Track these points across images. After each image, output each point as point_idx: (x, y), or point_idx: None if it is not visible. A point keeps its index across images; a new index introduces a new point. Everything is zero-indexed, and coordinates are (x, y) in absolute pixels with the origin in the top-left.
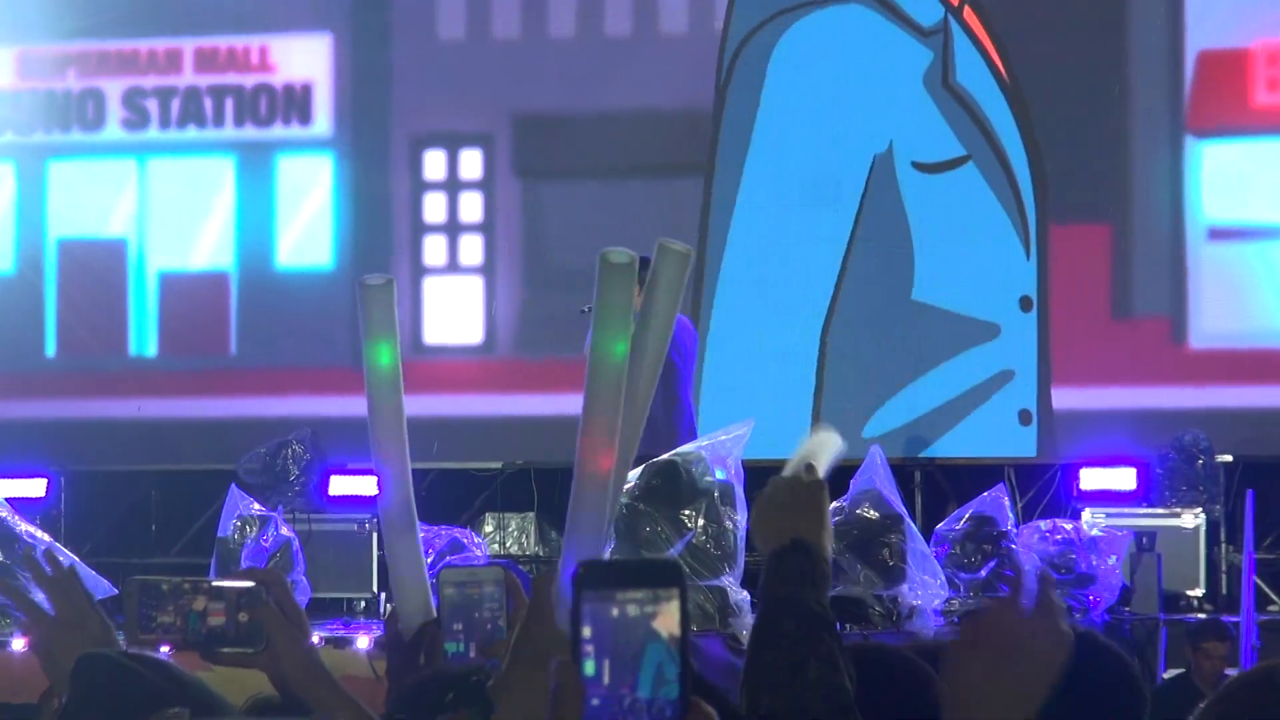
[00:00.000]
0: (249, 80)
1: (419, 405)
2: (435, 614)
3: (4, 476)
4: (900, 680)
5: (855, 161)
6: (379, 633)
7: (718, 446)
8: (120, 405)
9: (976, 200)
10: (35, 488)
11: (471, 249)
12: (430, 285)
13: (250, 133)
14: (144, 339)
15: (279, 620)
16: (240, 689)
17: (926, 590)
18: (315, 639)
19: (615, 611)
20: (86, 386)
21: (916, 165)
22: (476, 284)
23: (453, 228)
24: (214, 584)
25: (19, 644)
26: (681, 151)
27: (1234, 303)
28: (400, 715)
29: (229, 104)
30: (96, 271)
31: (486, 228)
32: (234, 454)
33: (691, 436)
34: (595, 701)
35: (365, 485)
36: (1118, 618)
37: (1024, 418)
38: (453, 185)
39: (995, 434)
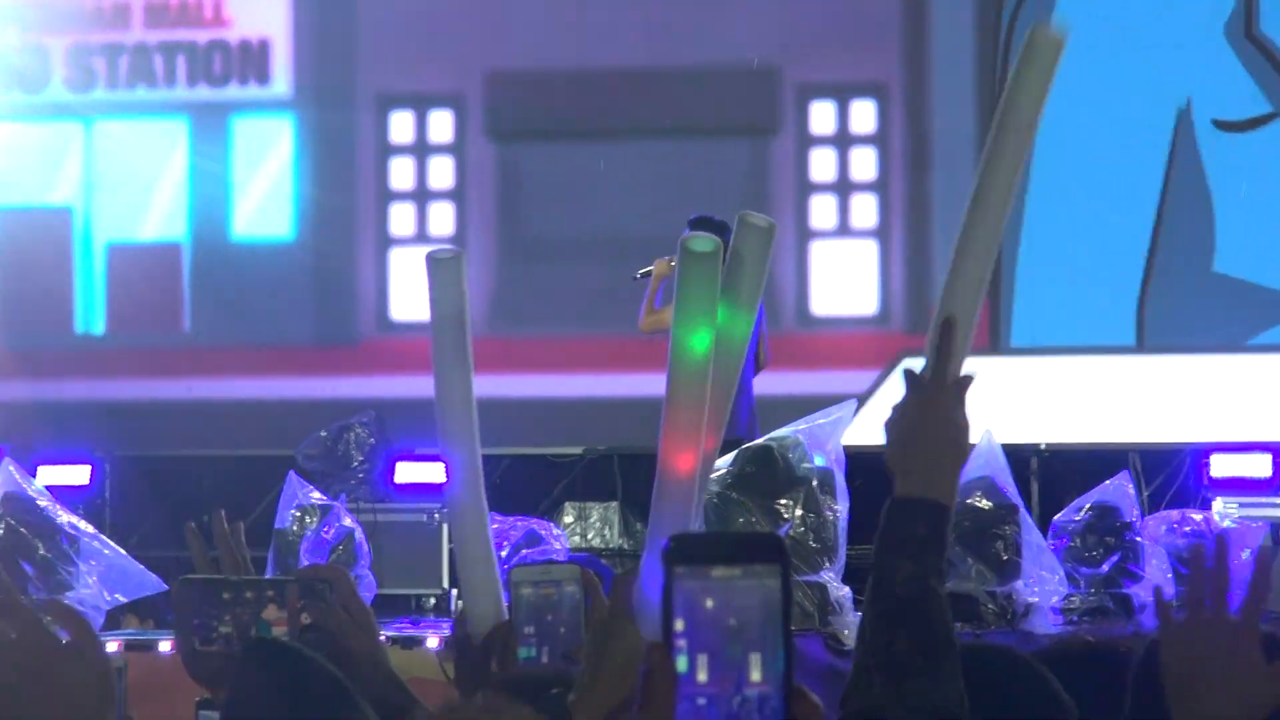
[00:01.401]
0: (202, 36)
1: (385, 387)
2: (507, 615)
3: (44, 463)
4: (1015, 686)
5: (1156, 119)
6: (449, 632)
7: (816, 431)
8: (68, 387)
9: None
10: (78, 475)
11: (442, 218)
12: (397, 256)
13: (204, 93)
14: (91, 315)
15: (345, 622)
16: None
17: (1043, 586)
18: (382, 637)
19: (710, 592)
20: (27, 367)
21: (1217, 123)
22: None
23: (421, 195)
24: (276, 587)
25: (165, 645)
26: (667, 111)
27: None
28: None
29: (181, 62)
30: (39, 243)
31: (457, 195)
32: (176, 441)
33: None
34: (701, 701)
35: (434, 472)
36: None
37: None
38: (421, 149)
39: None
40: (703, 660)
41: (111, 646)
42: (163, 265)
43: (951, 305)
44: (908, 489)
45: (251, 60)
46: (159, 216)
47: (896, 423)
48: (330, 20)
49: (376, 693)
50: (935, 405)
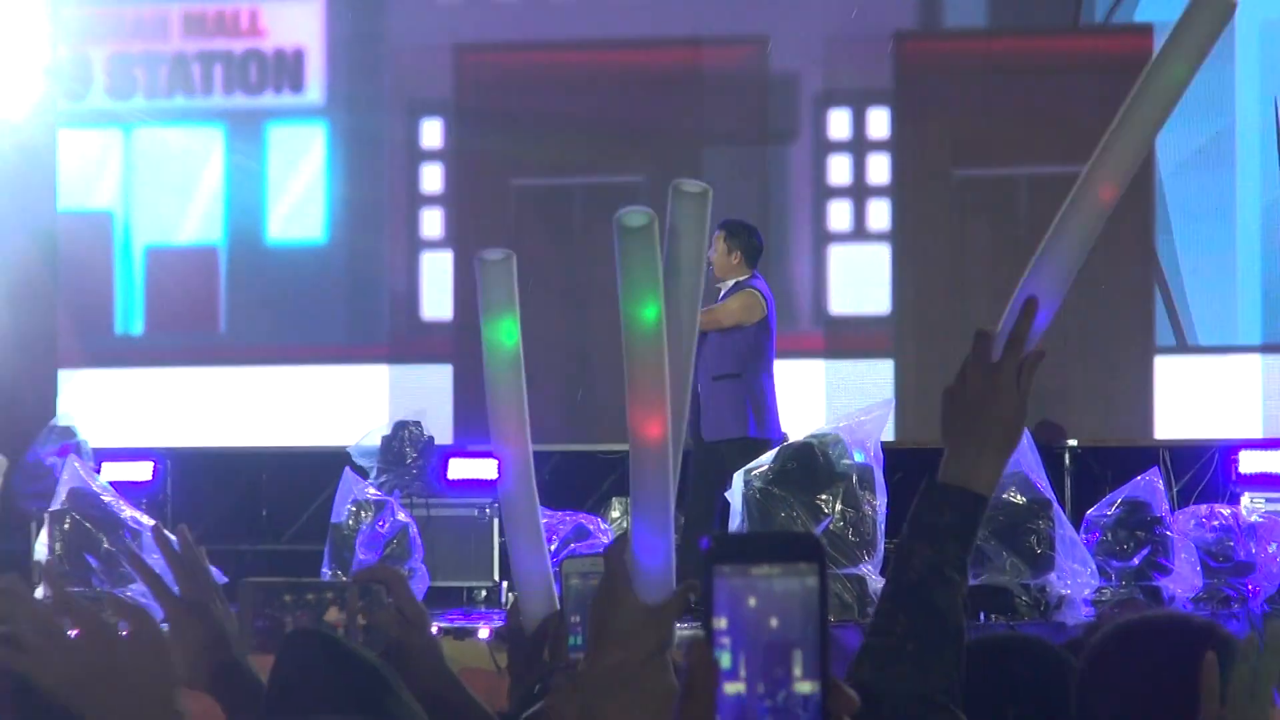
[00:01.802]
0: (238, 46)
1: (415, 383)
2: (558, 606)
3: (109, 459)
4: (1040, 673)
5: None
6: (500, 623)
7: (856, 428)
8: (111, 384)
9: None
10: (141, 471)
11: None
12: (428, 260)
13: (240, 100)
14: (130, 316)
15: (401, 623)
16: None
17: (1076, 579)
18: (434, 629)
19: (751, 590)
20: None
21: None
22: None
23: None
24: (336, 590)
25: None
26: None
27: None
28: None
29: (218, 71)
30: (81, 246)
31: None
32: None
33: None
34: (743, 696)
35: (486, 469)
36: (1278, 608)
37: None
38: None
39: None
40: (744, 657)
41: None
42: (200, 268)
43: (1038, 284)
44: (948, 474)
45: (286, 69)
46: (196, 220)
47: (957, 390)
48: (362, 30)
49: (430, 688)
50: (999, 376)
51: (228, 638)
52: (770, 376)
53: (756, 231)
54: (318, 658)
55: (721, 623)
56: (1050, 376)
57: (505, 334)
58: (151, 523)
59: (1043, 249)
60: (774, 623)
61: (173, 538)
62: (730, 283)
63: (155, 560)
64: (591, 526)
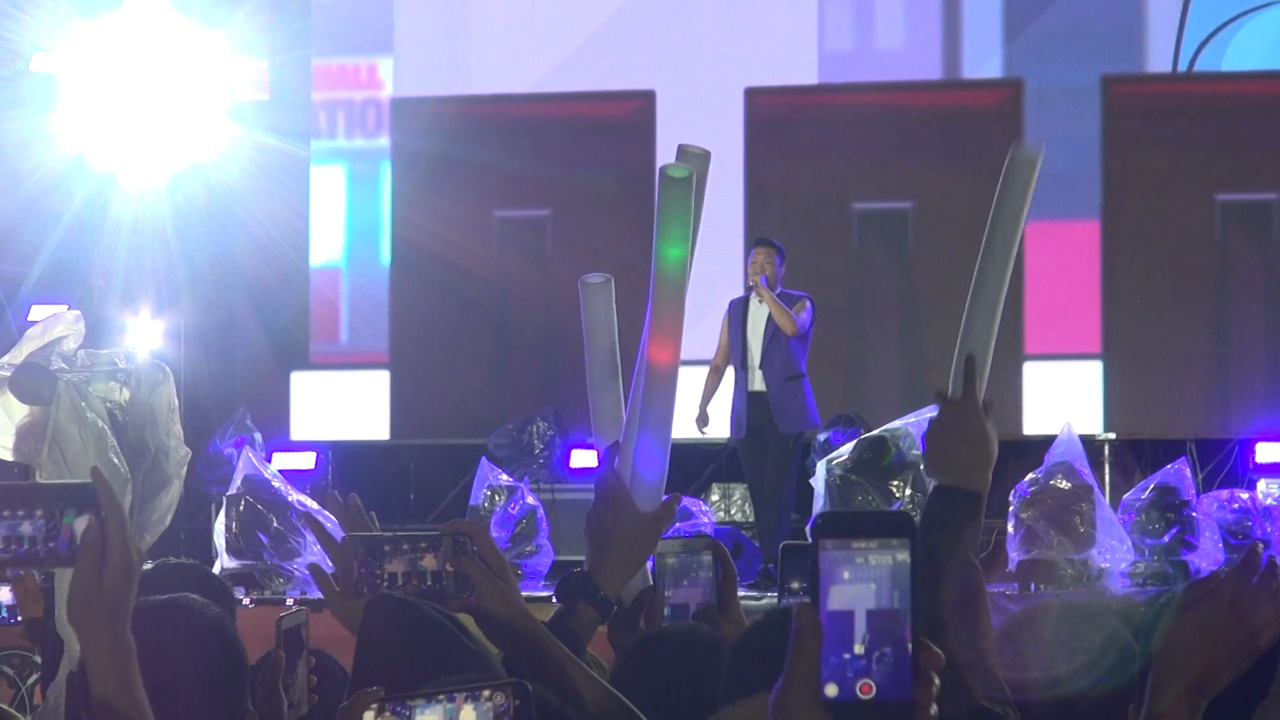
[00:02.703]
0: (359, 95)
1: None
2: (650, 581)
3: (279, 450)
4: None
5: None
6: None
7: (924, 423)
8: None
9: None
10: (305, 460)
11: None
12: None
13: (359, 143)
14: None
15: (483, 570)
16: None
17: (1114, 554)
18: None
19: (851, 561)
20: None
21: None
22: None
23: None
24: (429, 540)
25: None
26: None
27: None
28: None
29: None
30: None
31: None
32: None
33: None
34: (845, 656)
35: None
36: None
37: None
38: None
39: None
40: (844, 620)
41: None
42: (325, 285)
43: (971, 345)
44: (947, 479)
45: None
46: (321, 245)
47: (934, 434)
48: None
49: (509, 630)
50: (967, 419)
51: None
52: None
53: (782, 249)
54: (395, 618)
55: (827, 590)
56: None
57: (605, 348)
58: (315, 505)
59: (966, 319)
60: (871, 589)
61: (331, 521)
62: (776, 291)
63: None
64: (694, 509)
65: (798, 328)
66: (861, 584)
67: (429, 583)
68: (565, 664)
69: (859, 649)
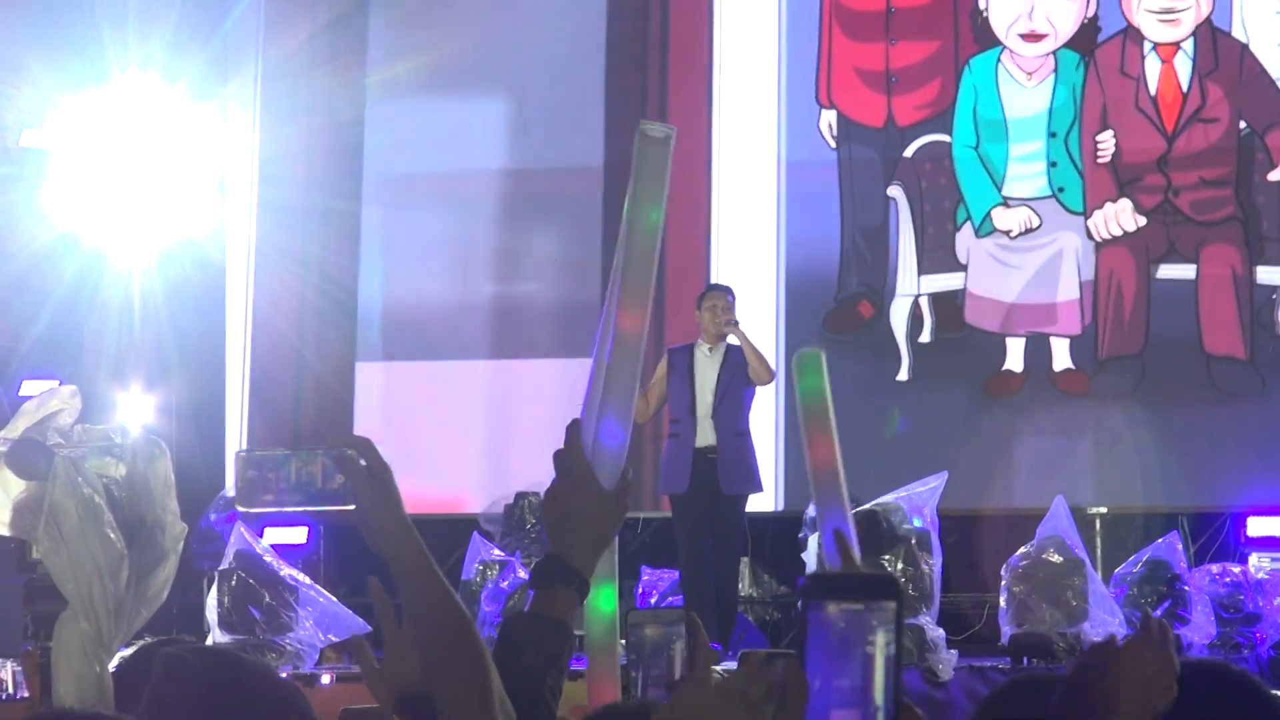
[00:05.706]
0: None
1: None
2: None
3: (270, 525)
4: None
5: None
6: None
7: (914, 497)
8: None
9: None
10: (297, 535)
11: None
12: None
13: None
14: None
15: (367, 480)
16: None
17: (1106, 628)
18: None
19: (839, 621)
20: None
21: None
22: None
23: None
24: (316, 452)
25: None
26: None
27: None
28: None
29: None
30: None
31: None
32: None
33: None
34: (829, 713)
35: None
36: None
37: None
38: None
39: None
40: (830, 678)
41: (325, 679)
42: None
43: (602, 409)
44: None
45: None
46: None
47: (549, 500)
48: None
49: (389, 546)
50: (580, 487)
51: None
52: None
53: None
54: (191, 673)
55: (812, 648)
56: None
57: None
58: (307, 579)
59: (602, 385)
60: (856, 648)
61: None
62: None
63: (308, 612)
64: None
65: (771, 376)
66: (848, 644)
67: (319, 485)
68: (437, 578)
69: (844, 708)
